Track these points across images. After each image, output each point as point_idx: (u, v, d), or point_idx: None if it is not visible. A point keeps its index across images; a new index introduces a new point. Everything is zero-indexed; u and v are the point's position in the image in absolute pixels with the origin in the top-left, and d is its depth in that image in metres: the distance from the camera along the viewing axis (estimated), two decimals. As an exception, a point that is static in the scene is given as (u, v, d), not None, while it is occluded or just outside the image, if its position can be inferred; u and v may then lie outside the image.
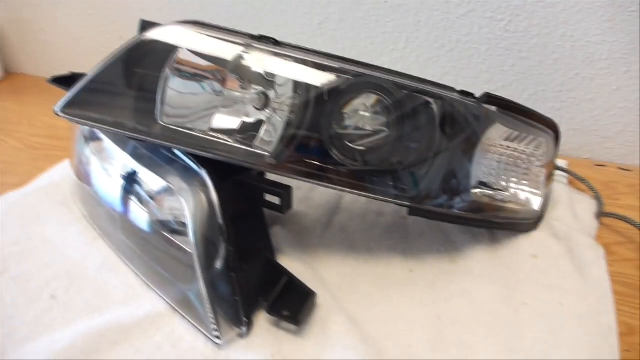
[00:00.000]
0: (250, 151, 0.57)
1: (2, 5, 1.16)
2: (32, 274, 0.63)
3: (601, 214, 0.73)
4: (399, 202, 0.60)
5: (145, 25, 0.68)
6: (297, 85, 0.58)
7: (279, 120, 0.59)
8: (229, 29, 0.61)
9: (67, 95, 0.58)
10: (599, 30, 0.79)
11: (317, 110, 0.58)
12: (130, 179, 0.62)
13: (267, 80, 0.59)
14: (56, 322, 0.57)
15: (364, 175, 0.59)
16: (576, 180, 0.80)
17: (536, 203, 0.70)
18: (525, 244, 0.67)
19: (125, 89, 0.60)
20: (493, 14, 0.82)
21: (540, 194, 0.70)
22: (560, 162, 0.84)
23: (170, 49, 0.59)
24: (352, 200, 0.75)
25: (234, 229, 0.56)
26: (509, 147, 0.68)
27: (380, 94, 0.58)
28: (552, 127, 0.70)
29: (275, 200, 0.60)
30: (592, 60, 0.81)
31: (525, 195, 0.69)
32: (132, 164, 0.62)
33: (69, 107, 0.59)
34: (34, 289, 0.61)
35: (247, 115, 0.60)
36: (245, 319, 0.55)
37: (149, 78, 0.59)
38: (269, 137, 0.58)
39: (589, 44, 0.80)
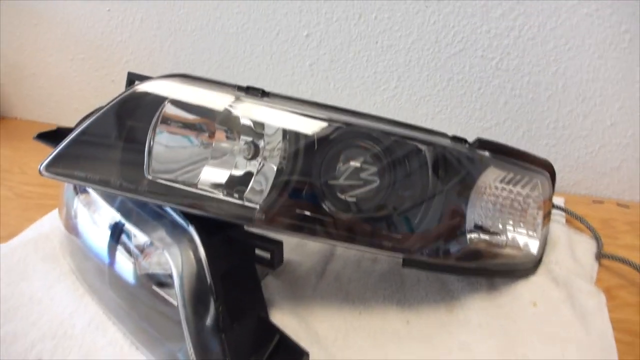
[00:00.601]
0: (240, 204, 0.56)
1: (-6, 51, 1.16)
2: (18, 334, 0.61)
3: (601, 255, 0.71)
4: (393, 254, 0.58)
5: (133, 78, 0.68)
6: (286, 135, 0.57)
7: (270, 169, 0.58)
8: (216, 81, 0.61)
9: (52, 152, 0.57)
10: (591, 67, 0.78)
11: (307, 159, 0.57)
12: (118, 234, 0.61)
13: (256, 131, 0.58)
14: (41, 387, 0.55)
15: (356, 225, 0.57)
16: (574, 218, 0.78)
17: (534, 246, 0.68)
18: (524, 290, 0.65)
19: (113, 142, 0.59)
20: (484, 52, 0.82)
21: (538, 236, 0.68)
22: (558, 200, 0.82)
23: (159, 102, 0.58)
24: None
25: (224, 287, 0.54)
26: (504, 189, 0.66)
27: (370, 143, 0.57)
28: (547, 167, 0.69)
29: (267, 254, 0.58)
30: (585, 97, 0.81)
31: (523, 238, 0.68)
32: (120, 219, 0.60)
33: (54, 164, 0.57)
34: (19, 351, 0.59)
35: (237, 167, 0.59)
36: (236, 382, 0.53)
37: (137, 131, 0.58)
38: (259, 187, 0.57)
39: (582, 80, 0.80)
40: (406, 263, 0.59)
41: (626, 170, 0.84)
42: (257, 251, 0.59)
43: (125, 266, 0.60)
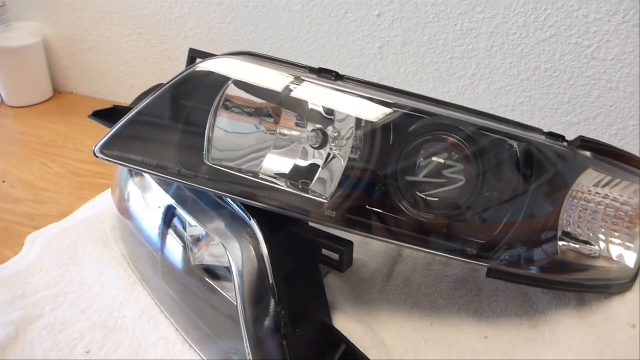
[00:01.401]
0: (305, 197, 0.51)
1: (52, 24, 1.14)
2: (67, 323, 0.58)
3: None
4: (477, 262, 0.52)
5: (195, 55, 0.63)
6: (360, 123, 0.51)
7: (340, 160, 0.52)
8: (285, 61, 0.55)
9: (107, 134, 0.53)
10: None
11: (382, 152, 0.51)
12: (173, 222, 0.57)
13: (326, 118, 0.53)
14: (89, 382, 0.52)
15: (436, 229, 0.51)
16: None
17: (630, 259, 0.60)
18: (620, 309, 0.58)
19: (172, 125, 0.55)
20: (579, 39, 0.73)
21: (636, 248, 0.60)
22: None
23: (222, 83, 0.53)
24: (415, 247, 0.68)
25: (287, 289, 0.49)
26: (598, 193, 0.59)
27: (457, 137, 0.51)
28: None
29: (334, 255, 0.53)
30: (696, 92, 0.72)
31: (618, 249, 0.60)
32: (176, 207, 0.56)
33: (109, 146, 0.54)
34: (67, 341, 0.56)
35: (303, 156, 0.54)
36: (297, 392, 0.48)
37: (197, 114, 0.54)
38: (327, 179, 0.52)
39: (693, 73, 0.70)
40: (492, 274, 0.52)
41: None
42: (324, 251, 0.53)
43: (179, 257, 0.56)
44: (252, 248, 0.50)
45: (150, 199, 0.61)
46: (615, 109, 0.76)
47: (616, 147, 0.56)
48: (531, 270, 0.55)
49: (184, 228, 0.56)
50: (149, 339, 0.56)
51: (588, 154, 0.54)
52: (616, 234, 0.60)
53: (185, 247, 0.56)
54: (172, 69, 1.03)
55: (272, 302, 0.49)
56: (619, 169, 0.57)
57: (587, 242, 0.59)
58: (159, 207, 0.58)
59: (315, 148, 0.54)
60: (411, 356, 0.53)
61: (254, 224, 0.51)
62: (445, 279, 0.63)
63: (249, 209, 0.52)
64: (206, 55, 0.62)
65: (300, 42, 0.91)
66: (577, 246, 0.58)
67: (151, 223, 0.60)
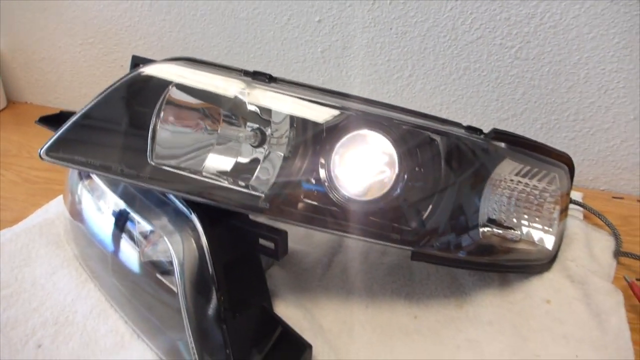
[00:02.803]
0: (245, 193, 0.55)
1: (4, 35, 1.15)
2: (19, 320, 0.60)
3: (619, 253, 0.69)
4: (402, 246, 0.56)
5: (137, 61, 0.66)
6: (294, 122, 0.55)
7: (277, 157, 0.56)
8: (222, 65, 0.59)
9: (52, 136, 0.56)
10: (615, 58, 0.75)
11: (314, 148, 0.55)
12: (121, 221, 0.59)
13: (262, 118, 0.57)
14: (40, 374, 0.54)
15: (364, 217, 0.55)
16: (592, 214, 0.75)
17: (549, 242, 0.65)
18: (538, 287, 0.63)
19: (116, 127, 0.57)
20: (503, 40, 0.79)
21: (554, 232, 0.66)
22: (576, 194, 0.80)
23: (164, 85, 0.56)
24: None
25: (226, 277, 0.53)
26: (519, 182, 0.64)
27: (381, 132, 0.55)
28: (565, 161, 0.66)
29: (270, 244, 0.56)
30: (607, 88, 0.77)
31: (538, 233, 0.65)
32: (123, 206, 0.59)
33: (54, 149, 0.56)
34: (20, 337, 0.58)
35: (243, 154, 0.57)
36: (237, 374, 0.52)
37: (140, 115, 0.57)
38: (265, 176, 0.56)
39: (605, 71, 0.76)
40: (415, 256, 0.57)
41: (649, 165, 0.81)
42: (261, 241, 0.57)
43: (128, 253, 0.59)
44: (192, 240, 0.53)
45: (99, 200, 0.63)
46: (539, 104, 0.82)
47: (529, 138, 0.61)
48: (457, 254, 0.59)
49: (133, 226, 0.59)
50: (99, 331, 0.59)
51: (502, 144, 0.59)
52: (537, 219, 0.65)
53: (133, 244, 0.58)
54: (125, 76, 1.05)
55: (213, 290, 0.52)
56: (534, 158, 0.63)
57: (510, 228, 0.64)
58: (108, 207, 0.61)
59: (254, 147, 0.57)
60: (345, 336, 0.57)
61: (194, 217, 0.54)
62: (381, 266, 0.67)
63: (190, 204, 0.56)
64: (148, 62, 0.65)
65: (247, 47, 0.95)
66: (500, 231, 0.62)
67: (101, 223, 0.62)
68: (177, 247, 0.52)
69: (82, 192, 0.66)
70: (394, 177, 0.55)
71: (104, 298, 0.63)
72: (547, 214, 0.66)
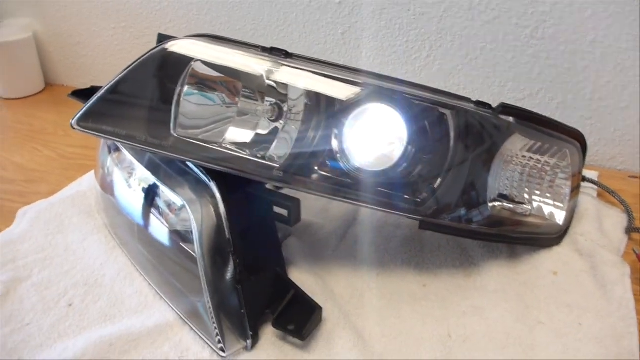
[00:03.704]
0: (261, 163, 0.58)
1: (41, 20, 1.21)
2: (52, 281, 0.65)
3: (631, 229, 0.69)
4: (410, 216, 0.58)
5: (162, 39, 0.70)
6: (309, 97, 0.58)
7: (292, 131, 0.59)
8: (241, 42, 0.62)
9: (83, 107, 0.60)
10: (631, 36, 0.75)
11: (328, 121, 0.58)
12: (148, 191, 0.63)
13: (280, 92, 0.59)
14: (70, 330, 0.58)
15: (374, 186, 0.58)
16: (606, 192, 0.76)
17: (560, 217, 0.67)
18: (546, 259, 0.65)
19: (141, 100, 0.61)
20: (519, 20, 0.80)
21: (564, 207, 0.67)
22: (591, 173, 0.80)
23: (187, 62, 0.59)
24: (370, 212, 0.74)
25: (243, 242, 0.56)
26: (531, 158, 0.65)
27: (391, 105, 0.57)
28: (577, 138, 0.67)
29: (284, 212, 0.59)
30: (624, 67, 0.78)
31: (549, 208, 0.66)
32: (148, 175, 0.63)
33: (84, 119, 0.60)
34: (52, 297, 0.63)
35: (261, 128, 0.60)
36: (250, 332, 0.55)
37: (165, 90, 0.60)
38: (282, 149, 0.58)
39: (621, 50, 0.77)
40: (423, 225, 0.59)
41: (666, 145, 0.81)
42: (276, 208, 0.60)
43: (152, 221, 0.62)
44: (211, 207, 0.56)
45: (126, 172, 0.67)
46: (555, 84, 0.83)
47: (537, 113, 0.62)
48: (466, 225, 0.61)
49: (157, 195, 0.62)
50: (125, 292, 0.63)
51: (511, 119, 0.60)
52: (548, 195, 0.67)
53: (158, 213, 0.62)
54: (154, 59, 1.09)
55: (229, 254, 0.55)
56: (544, 133, 0.64)
57: (520, 202, 0.65)
58: (135, 178, 0.65)
59: (271, 120, 0.60)
60: (355, 301, 0.60)
61: (213, 186, 0.58)
62: (394, 238, 0.70)
63: (209, 174, 0.59)
64: (172, 39, 0.68)
65: (271, 30, 0.98)
66: (510, 206, 0.64)
67: (128, 193, 0.66)
68: (197, 214, 0.55)
69: (111, 165, 0.70)
70: (402, 149, 0.57)
71: (130, 263, 0.67)
72: (559, 190, 0.67)
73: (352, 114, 0.57)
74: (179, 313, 0.60)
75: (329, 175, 0.58)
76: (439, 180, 0.58)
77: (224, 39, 0.62)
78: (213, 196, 0.57)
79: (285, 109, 0.59)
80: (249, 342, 0.55)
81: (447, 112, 0.58)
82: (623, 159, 0.85)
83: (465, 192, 0.60)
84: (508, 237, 0.65)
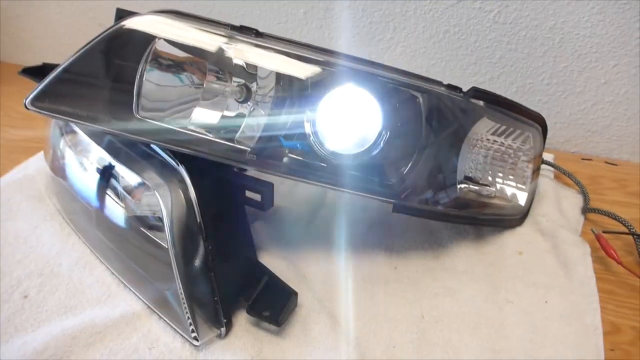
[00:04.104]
0: (230, 146, 0.56)
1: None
2: (4, 272, 0.61)
3: (587, 210, 0.72)
4: (384, 199, 0.58)
5: (122, 14, 0.66)
6: (280, 78, 0.56)
7: (261, 114, 0.57)
8: (209, 19, 0.59)
9: (37, 86, 0.56)
10: (589, 24, 0.78)
11: (299, 103, 0.56)
12: (106, 174, 0.60)
13: (249, 73, 0.57)
14: (28, 323, 0.55)
15: (347, 170, 0.57)
16: (562, 174, 0.79)
17: (522, 198, 0.69)
18: (510, 240, 0.66)
19: (101, 80, 0.57)
20: (482, 4, 0.80)
21: (526, 189, 0.69)
22: (547, 156, 0.83)
23: (149, 39, 0.56)
24: (337, 195, 0.73)
25: (214, 227, 0.54)
26: (495, 141, 0.66)
27: (364, 87, 0.56)
28: (539, 121, 0.69)
29: (257, 197, 0.58)
30: (581, 53, 0.80)
31: (511, 190, 0.68)
32: (108, 159, 0.59)
33: (39, 99, 0.56)
34: (5, 288, 0.59)
35: (228, 109, 0.58)
36: (224, 320, 0.54)
37: (126, 69, 0.57)
38: (250, 132, 0.57)
39: (579, 36, 0.79)
40: (396, 208, 0.59)
41: (616, 129, 0.85)
42: (248, 193, 0.58)
43: (112, 207, 0.59)
44: (180, 191, 0.54)
45: (82, 155, 0.64)
46: (515, 68, 0.84)
47: (506, 97, 0.63)
48: (435, 207, 0.62)
49: (117, 179, 0.59)
50: (85, 282, 0.60)
51: (481, 102, 0.61)
52: (511, 177, 0.68)
53: (118, 198, 0.59)
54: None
55: (201, 240, 0.53)
56: (510, 117, 0.65)
57: (485, 185, 0.66)
58: (91, 162, 0.61)
59: (239, 102, 0.58)
60: (328, 286, 0.60)
61: (182, 169, 0.55)
62: (362, 221, 0.70)
63: (177, 157, 0.56)
64: (133, 14, 0.64)
65: (230, 7, 0.94)
66: (476, 188, 0.65)
67: (84, 177, 0.63)
68: (166, 198, 0.53)
69: (64, 147, 0.66)
70: (376, 132, 0.56)
71: (89, 251, 0.64)
72: (521, 172, 0.69)
73: (325, 96, 0.56)
74: (145, 302, 0.57)
75: (301, 159, 0.56)
76: (410, 163, 0.58)
77: (190, 15, 0.59)
78: (182, 180, 0.55)
79: (254, 90, 0.58)
80: (223, 329, 0.54)
81: (419, 95, 0.58)
82: (577, 142, 0.89)
83: (435, 174, 0.61)
84: (474, 219, 0.66)
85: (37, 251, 0.64)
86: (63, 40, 1.11)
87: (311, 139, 0.56)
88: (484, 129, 0.64)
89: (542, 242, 0.66)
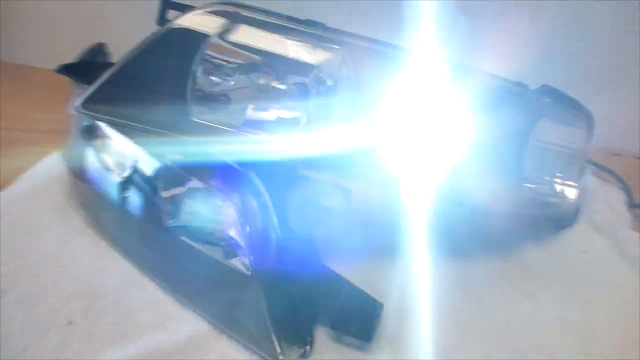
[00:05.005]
0: (294, 148, 0.52)
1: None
2: (39, 295, 0.54)
3: (632, 205, 0.72)
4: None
5: (168, 6, 0.60)
6: (340, 72, 0.53)
7: (322, 110, 0.53)
8: (268, 11, 0.54)
9: (89, 89, 0.50)
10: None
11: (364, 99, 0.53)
12: (158, 182, 0.54)
13: (307, 71, 0.53)
14: (80, 353, 0.48)
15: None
16: (601, 171, 0.79)
17: (574, 195, 0.68)
18: (571, 239, 0.66)
19: (153, 81, 0.53)
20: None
21: (578, 185, 0.68)
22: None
23: (202, 40, 0.52)
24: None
25: (292, 239, 0.50)
26: (551, 139, 0.65)
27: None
28: (589, 118, 0.68)
29: (333, 200, 0.54)
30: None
31: (564, 187, 0.67)
32: (159, 165, 0.53)
33: (90, 102, 0.50)
34: (45, 314, 0.52)
35: (286, 108, 0.54)
36: (308, 337, 0.49)
37: (179, 70, 0.52)
38: (310, 128, 0.53)
39: None
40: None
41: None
42: (323, 198, 0.54)
43: (165, 219, 0.53)
44: (255, 200, 0.50)
45: (124, 160, 0.57)
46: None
47: (569, 95, 0.62)
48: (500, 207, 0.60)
49: (171, 187, 0.53)
50: (135, 303, 0.54)
51: (548, 100, 0.60)
52: (564, 174, 0.67)
53: (173, 208, 0.53)
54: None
55: (281, 254, 0.49)
56: (569, 115, 0.64)
57: (541, 183, 0.65)
58: (137, 169, 0.55)
59: (297, 100, 0.54)
60: (413, 296, 0.55)
61: (252, 175, 0.51)
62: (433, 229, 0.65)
63: (241, 161, 0.52)
64: (183, 7, 0.58)
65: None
66: (534, 186, 0.64)
67: (127, 186, 0.56)
68: (242, 208, 0.48)
69: (100, 152, 0.59)
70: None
71: (133, 268, 0.58)
72: (573, 169, 0.68)
73: (399, 98, 0.54)
74: (211, 322, 0.52)
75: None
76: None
77: (246, 6, 0.54)
78: (254, 188, 0.50)
79: (312, 88, 0.54)
80: (308, 348, 0.49)
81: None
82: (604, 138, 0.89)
83: (502, 174, 0.59)
84: (535, 218, 0.65)
85: (72, 271, 0.57)
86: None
87: (380, 147, 0.53)
88: (544, 126, 0.63)
89: (602, 240, 0.66)
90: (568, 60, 0.84)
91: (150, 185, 0.54)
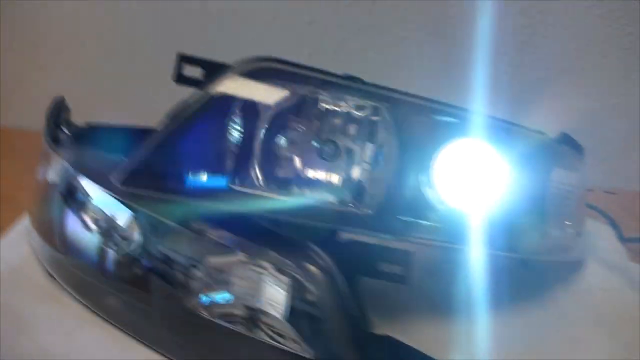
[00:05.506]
0: (349, 212, 0.49)
1: None
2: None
3: (622, 239, 0.76)
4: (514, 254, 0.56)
5: (185, 60, 0.54)
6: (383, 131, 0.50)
7: (382, 171, 0.50)
8: (305, 67, 0.51)
9: (127, 166, 0.44)
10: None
11: (414, 161, 0.51)
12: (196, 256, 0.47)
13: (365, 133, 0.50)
14: None
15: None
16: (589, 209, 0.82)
17: (582, 236, 0.69)
18: (590, 278, 0.67)
19: (194, 150, 0.48)
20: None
21: (583, 226, 0.70)
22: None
23: (239, 102, 0.48)
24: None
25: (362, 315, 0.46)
26: (562, 183, 0.67)
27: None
28: (584, 159, 0.71)
29: (395, 268, 0.50)
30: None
31: (573, 230, 0.69)
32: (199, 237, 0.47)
33: (132, 178, 0.44)
34: None
35: (345, 171, 0.50)
36: None
37: (215, 135, 0.48)
38: (373, 190, 0.50)
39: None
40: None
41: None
42: (382, 265, 0.51)
43: (194, 297, 0.47)
44: (324, 277, 0.45)
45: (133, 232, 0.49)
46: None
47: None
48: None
49: (206, 265, 0.47)
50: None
51: (567, 148, 0.62)
52: (573, 216, 0.68)
53: (206, 287, 0.47)
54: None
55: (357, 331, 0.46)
56: (577, 160, 0.66)
57: (564, 227, 0.66)
58: (173, 245, 0.48)
59: (328, 160, 0.51)
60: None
61: (316, 248, 0.46)
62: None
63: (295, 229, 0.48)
64: (199, 62, 0.53)
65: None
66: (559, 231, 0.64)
67: (139, 262, 0.49)
68: (319, 289, 0.44)
69: (99, 224, 0.51)
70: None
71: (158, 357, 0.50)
72: (579, 211, 0.69)
73: (443, 147, 0.52)
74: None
75: (423, 221, 0.51)
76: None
77: (290, 64, 0.50)
78: (324, 263, 0.46)
79: (345, 148, 0.51)
80: None
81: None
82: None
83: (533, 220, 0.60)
84: (558, 262, 0.66)
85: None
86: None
87: (430, 200, 0.51)
88: (560, 171, 0.64)
89: (615, 276, 0.68)
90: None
91: (181, 260, 0.48)
